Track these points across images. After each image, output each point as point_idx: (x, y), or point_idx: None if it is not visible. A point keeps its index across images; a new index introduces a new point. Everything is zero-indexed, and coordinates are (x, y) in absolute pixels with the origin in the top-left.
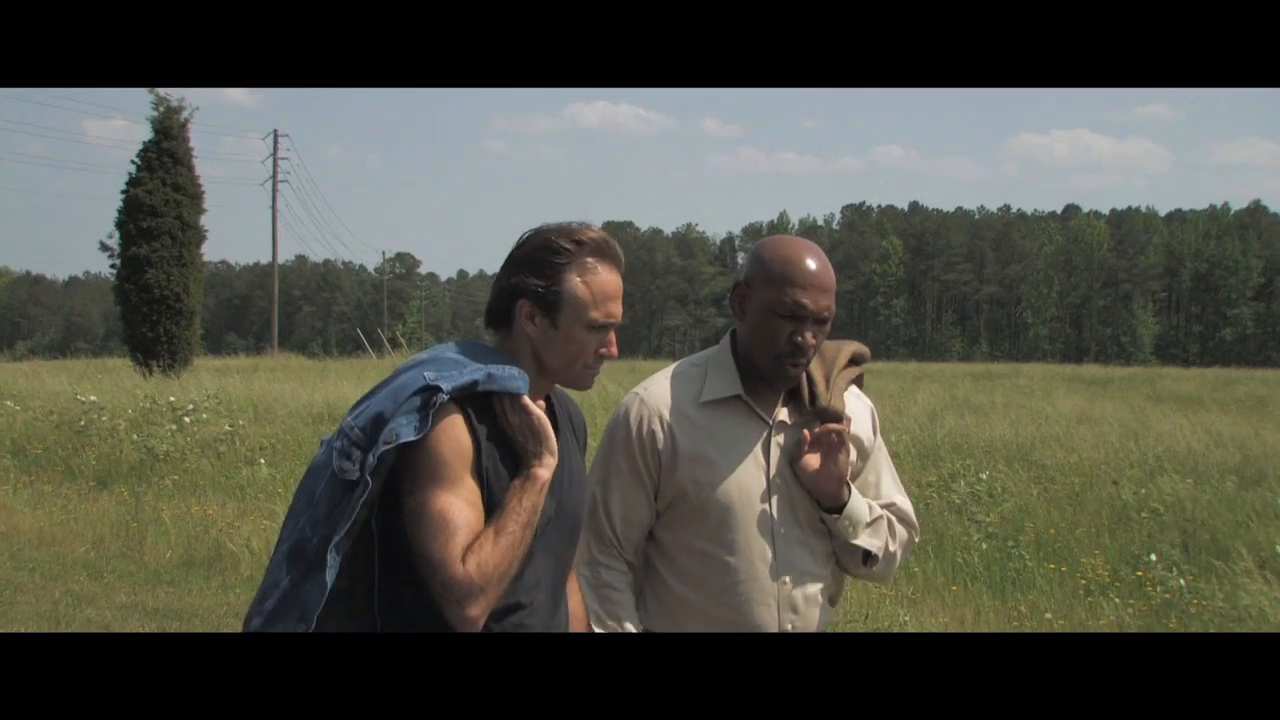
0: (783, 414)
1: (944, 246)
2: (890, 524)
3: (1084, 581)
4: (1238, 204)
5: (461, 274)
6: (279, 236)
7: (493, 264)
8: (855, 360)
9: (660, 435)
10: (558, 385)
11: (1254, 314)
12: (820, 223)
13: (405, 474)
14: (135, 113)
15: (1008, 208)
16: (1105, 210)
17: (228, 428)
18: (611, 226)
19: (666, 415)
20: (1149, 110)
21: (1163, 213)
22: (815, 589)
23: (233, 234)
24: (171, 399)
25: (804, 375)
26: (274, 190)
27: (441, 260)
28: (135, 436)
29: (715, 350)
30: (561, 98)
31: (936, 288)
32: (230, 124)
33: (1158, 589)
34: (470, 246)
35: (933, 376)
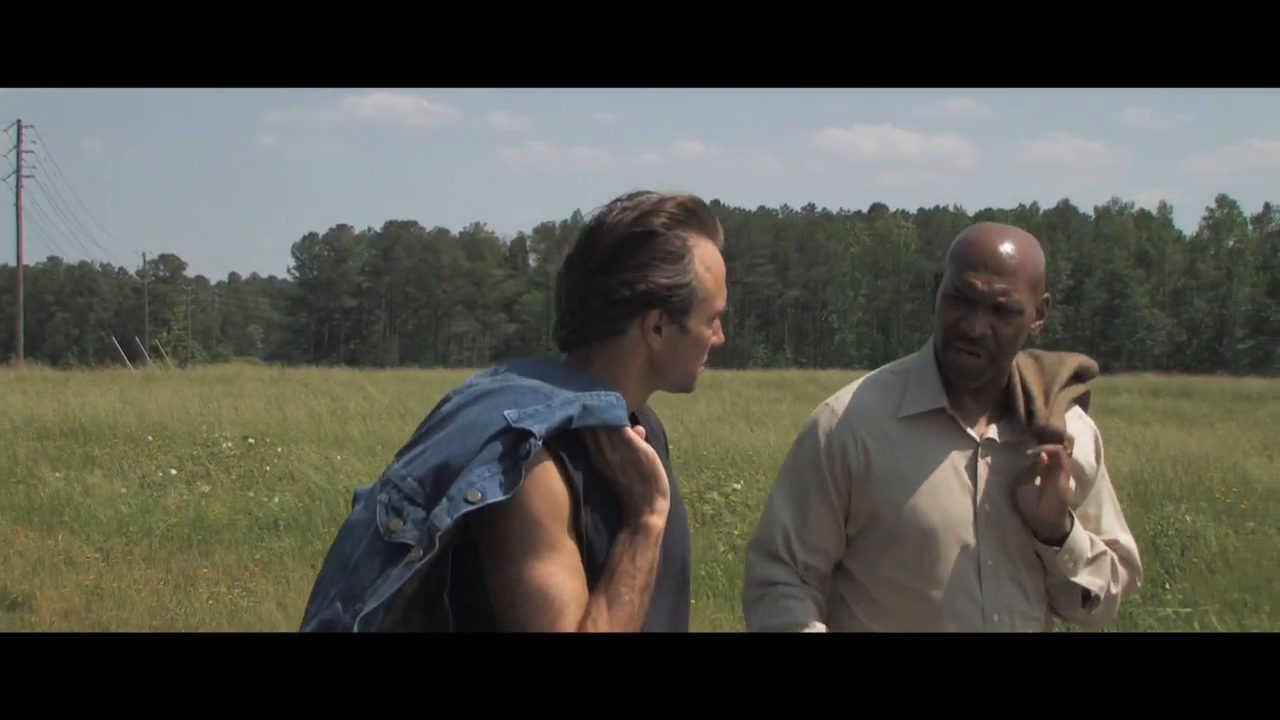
0: (991, 431)
1: (746, 247)
2: (1113, 563)
3: None
4: (1046, 203)
5: (233, 277)
6: (26, 236)
7: (267, 266)
8: (1080, 376)
9: (853, 451)
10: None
11: (1062, 317)
12: None
13: (486, 540)
14: None
15: (812, 206)
16: (913, 209)
17: None
18: (394, 226)
19: (860, 429)
20: (955, 105)
21: (971, 212)
22: (1030, 630)
23: None
24: None
25: (1020, 389)
26: (18, 186)
27: (210, 263)
28: None
29: (916, 357)
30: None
31: (738, 291)
32: None
33: None
34: (242, 247)
35: (723, 384)
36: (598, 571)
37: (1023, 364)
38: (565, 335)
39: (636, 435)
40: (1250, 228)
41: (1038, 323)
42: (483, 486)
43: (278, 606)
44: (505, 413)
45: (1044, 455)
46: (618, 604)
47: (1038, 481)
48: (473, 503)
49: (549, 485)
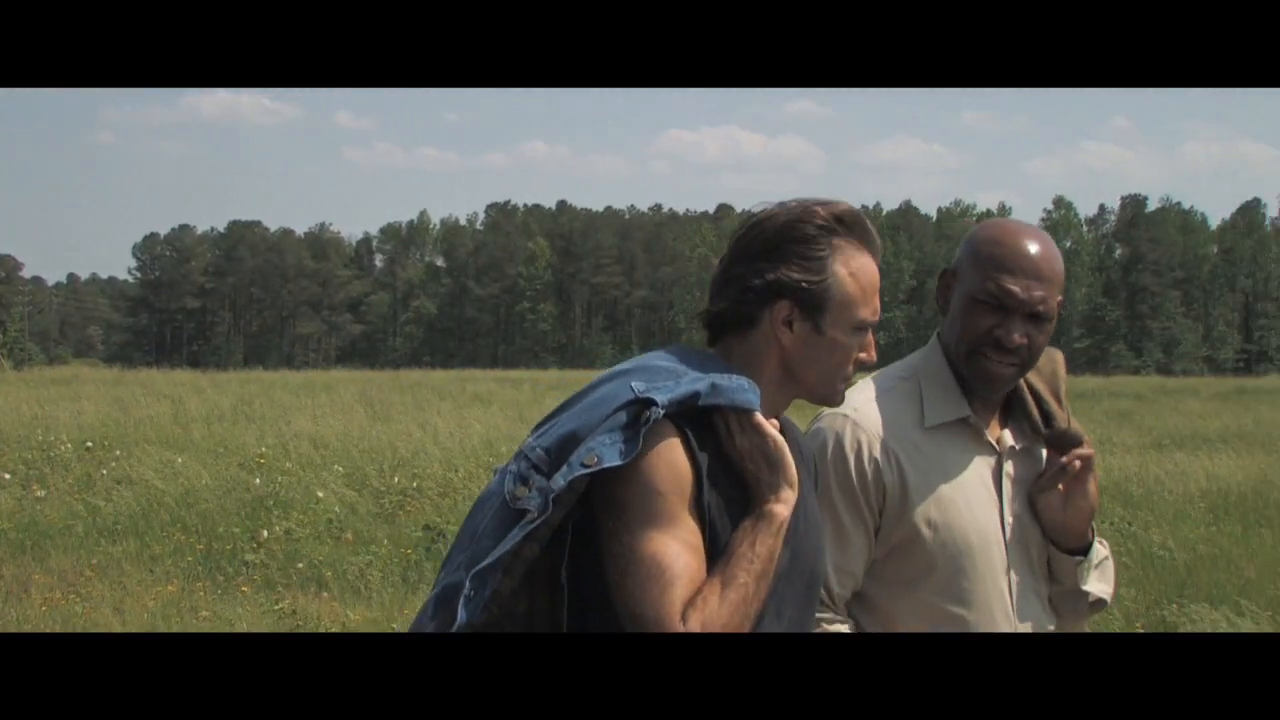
0: (1008, 438)
1: (593, 248)
2: (1111, 566)
3: None
4: (889, 204)
5: (72, 278)
6: None
7: (107, 267)
8: None
9: (886, 467)
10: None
11: (906, 317)
12: (463, 222)
13: (606, 509)
14: None
15: (659, 207)
16: (758, 210)
17: None
18: (238, 226)
19: (889, 441)
20: (797, 107)
21: None
22: None
23: None
24: None
25: (1028, 392)
26: None
27: (48, 263)
28: None
29: (920, 359)
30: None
31: (586, 291)
32: None
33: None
34: (81, 248)
35: (569, 385)
36: (718, 557)
37: None
38: (707, 321)
39: (765, 424)
40: (1085, 229)
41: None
42: (600, 451)
43: (114, 612)
44: (633, 383)
45: (1074, 462)
46: (732, 585)
47: (1060, 489)
48: (588, 466)
49: (672, 457)
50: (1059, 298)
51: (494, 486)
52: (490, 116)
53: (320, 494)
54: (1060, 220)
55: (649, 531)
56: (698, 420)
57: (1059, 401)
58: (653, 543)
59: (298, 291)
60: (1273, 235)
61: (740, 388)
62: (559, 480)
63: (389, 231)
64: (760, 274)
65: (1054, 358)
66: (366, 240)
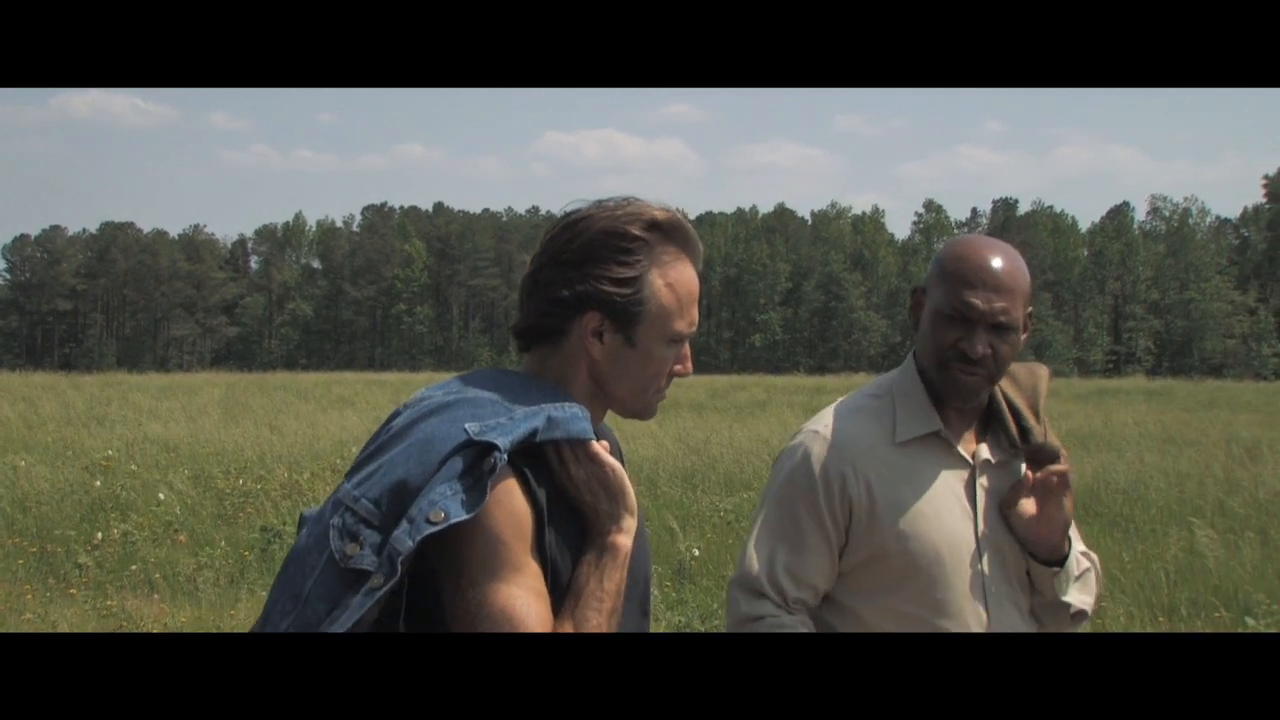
0: (984, 451)
1: (470, 250)
2: (1094, 578)
3: None
4: (765, 207)
5: None
6: None
7: None
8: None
9: (854, 483)
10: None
11: (782, 319)
12: (340, 224)
13: (447, 563)
14: None
15: (536, 209)
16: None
17: None
18: (110, 228)
19: (859, 460)
20: (675, 110)
21: (694, 215)
22: None
23: None
24: None
25: (1006, 407)
26: None
27: None
28: None
29: (895, 377)
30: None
31: (463, 293)
32: None
33: None
34: None
35: None
36: (562, 594)
37: None
38: (517, 330)
39: (602, 452)
40: (957, 232)
41: (1024, 335)
42: (445, 505)
43: None
44: (466, 426)
45: (1050, 476)
46: (585, 628)
47: (1032, 503)
48: (435, 523)
49: (512, 503)
50: (1028, 309)
51: (309, 541)
52: (367, 118)
53: (162, 496)
54: (932, 223)
55: (495, 584)
56: (532, 455)
57: (1037, 416)
58: (500, 595)
59: (171, 294)
60: (1141, 238)
61: (574, 417)
62: (405, 541)
63: (264, 233)
64: (570, 284)
65: (1036, 372)
66: (241, 242)
